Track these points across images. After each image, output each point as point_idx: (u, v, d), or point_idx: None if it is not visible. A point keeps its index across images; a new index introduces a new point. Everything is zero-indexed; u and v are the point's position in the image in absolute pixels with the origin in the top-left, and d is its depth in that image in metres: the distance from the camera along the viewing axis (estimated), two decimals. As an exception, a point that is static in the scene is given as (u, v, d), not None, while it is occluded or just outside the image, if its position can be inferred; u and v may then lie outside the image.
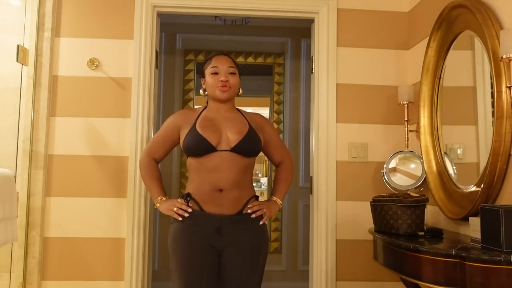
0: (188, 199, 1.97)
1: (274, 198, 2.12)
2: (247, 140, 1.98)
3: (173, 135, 2.07)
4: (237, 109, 2.14)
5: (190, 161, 2.01)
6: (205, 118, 2.04)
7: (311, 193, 2.91)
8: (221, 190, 1.92)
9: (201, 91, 2.12)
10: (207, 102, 2.13)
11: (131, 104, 2.77)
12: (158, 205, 2.03)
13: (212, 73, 2.04)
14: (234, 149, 1.94)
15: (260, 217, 2.00)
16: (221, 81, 2.01)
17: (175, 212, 1.96)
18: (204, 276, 1.90)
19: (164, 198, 2.04)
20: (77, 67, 2.78)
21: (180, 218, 1.94)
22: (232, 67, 2.06)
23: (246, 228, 1.97)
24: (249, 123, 2.05)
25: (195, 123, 2.01)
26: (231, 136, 1.97)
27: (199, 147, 1.94)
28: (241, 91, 2.13)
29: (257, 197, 2.06)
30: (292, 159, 2.24)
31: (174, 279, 1.95)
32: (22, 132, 2.70)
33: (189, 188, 2.01)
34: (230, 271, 1.93)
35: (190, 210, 1.94)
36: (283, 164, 2.19)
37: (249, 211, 1.98)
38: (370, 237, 2.46)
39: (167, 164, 4.15)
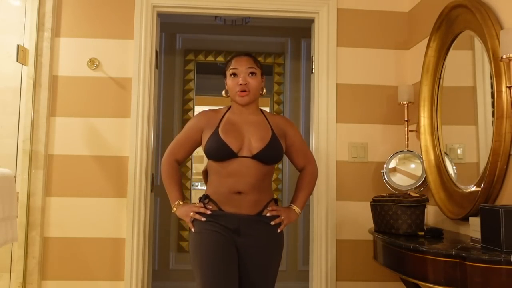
0: (206, 201, 1.95)
1: (294, 207, 2.04)
2: (269, 148, 1.93)
3: (195, 136, 2.02)
4: (261, 110, 2.07)
5: (211, 164, 1.98)
6: (228, 121, 1.98)
7: (311, 194, 2.90)
8: (239, 193, 1.90)
9: (223, 92, 2.07)
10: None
11: (131, 104, 2.77)
12: (175, 209, 1.99)
13: (231, 75, 1.98)
14: (256, 157, 1.90)
15: (277, 222, 1.96)
16: (240, 85, 1.95)
17: (192, 217, 1.92)
18: (226, 269, 1.85)
19: (181, 202, 1.99)
20: (77, 67, 2.78)
21: (194, 229, 1.92)
22: (252, 67, 1.98)
23: (265, 229, 1.94)
24: (272, 129, 1.99)
25: (218, 126, 1.96)
26: (254, 143, 1.92)
27: (221, 152, 1.90)
28: (264, 90, 2.05)
29: (276, 200, 2.03)
30: (316, 165, 2.15)
31: (196, 273, 1.89)
32: (22, 132, 2.70)
33: (208, 190, 2.00)
34: (247, 272, 1.91)
35: (208, 212, 1.91)
36: (305, 170, 2.11)
37: (268, 214, 1.95)
38: (370, 237, 2.46)
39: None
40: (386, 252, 2.16)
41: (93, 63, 2.77)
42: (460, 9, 2.26)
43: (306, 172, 2.11)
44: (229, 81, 1.99)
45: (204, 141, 1.98)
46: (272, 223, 1.94)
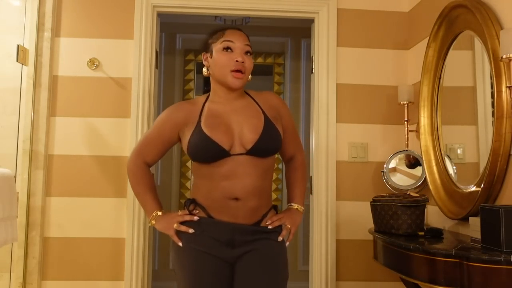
0: (192, 206, 1.65)
1: (295, 206, 1.77)
2: (265, 138, 1.61)
3: (170, 134, 1.69)
4: (246, 92, 1.74)
5: (197, 167, 1.66)
6: (210, 113, 1.65)
7: (311, 193, 2.91)
8: (236, 199, 1.59)
9: (204, 69, 1.70)
10: (205, 89, 1.81)
11: (131, 104, 2.77)
12: (153, 222, 1.68)
13: (224, 48, 1.62)
14: (251, 152, 1.60)
15: (285, 235, 1.69)
16: (236, 61, 1.60)
17: (176, 230, 1.63)
18: None
19: (159, 213, 1.68)
20: (77, 67, 2.78)
21: (181, 244, 1.61)
22: (248, 45, 1.66)
23: (265, 242, 1.64)
24: (263, 112, 1.67)
25: (199, 120, 1.63)
26: (246, 135, 1.60)
27: (209, 153, 1.58)
28: (250, 77, 1.71)
29: (275, 207, 1.75)
30: (304, 152, 1.89)
31: None
32: (22, 132, 2.70)
33: (195, 194, 1.68)
34: (246, 283, 1.60)
35: (196, 218, 1.62)
36: (295, 160, 1.83)
37: (269, 227, 1.65)
38: (370, 237, 2.46)
39: (166, 162, 4.15)
40: (386, 252, 2.16)
41: (93, 63, 2.77)
42: (460, 9, 2.26)
43: (297, 162, 1.83)
44: (221, 56, 1.62)
45: (185, 140, 1.65)
46: (280, 238, 1.66)
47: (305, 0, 2.90)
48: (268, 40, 4.38)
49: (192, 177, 1.75)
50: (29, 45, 2.71)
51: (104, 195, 2.73)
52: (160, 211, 1.69)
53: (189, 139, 1.62)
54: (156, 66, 2.91)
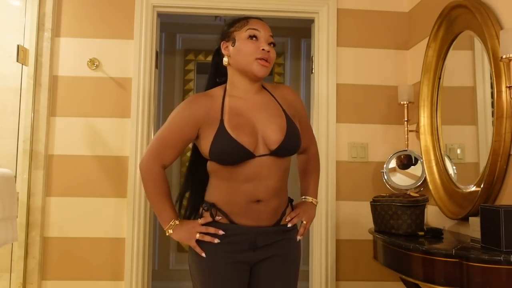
0: (216, 212, 1.56)
1: (310, 199, 1.73)
2: (289, 139, 1.56)
3: (191, 132, 1.56)
4: (263, 86, 1.67)
5: (216, 168, 1.56)
6: (232, 110, 1.56)
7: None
8: (258, 201, 1.54)
9: (225, 59, 1.61)
10: (216, 81, 1.68)
11: (131, 104, 2.77)
12: (170, 231, 1.57)
13: (249, 36, 1.54)
14: (275, 152, 1.54)
15: (302, 233, 1.68)
16: (262, 50, 1.52)
17: (198, 245, 1.55)
18: None
19: (177, 222, 1.57)
20: (77, 67, 2.78)
21: (204, 254, 1.54)
22: (272, 36, 1.59)
23: (283, 240, 1.62)
24: (283, 110, 1.61)
25: (221, 119, 1.53)
26: (271, 136, 1.54)
27: (235, 156, 1.49)
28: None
29: (291, 201, 1.70)
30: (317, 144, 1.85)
31: None
32: (22, 132, 2.70)
33: (213, 197, 1.59)
34: (266, 285, 1.59)
35: (221, 232, 1.54)
36: (309, 152, 1.77)
37: (289, 225, 1.62)
38: (370, 237, 2.46)
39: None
40: (386, 252, 2.16)
41: (93, 63, 2.77)
42: (460, 9, 2.26)
43: (310, 154, 1.77)
44: (245, 45, 1.55)
45: (206, 140, 1.54)
46: (299, 237, 1.65)
47: (305, 0, 2.90)
48: (268, 40, 4.38)
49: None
50: (29, 45, 2.71)
51: (104, 195, 2.73)
52: (177, 219, 1.58)
53: (212, 140, 1.51)
54: (156, 66, 2.91)
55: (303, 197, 1.76)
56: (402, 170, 2.70)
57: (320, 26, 2.90)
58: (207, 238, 1.54)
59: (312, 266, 2.86)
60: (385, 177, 2.69)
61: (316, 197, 1.77)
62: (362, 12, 2.93)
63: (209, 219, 1.56)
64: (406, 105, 2.69)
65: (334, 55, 2.87)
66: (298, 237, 1.66)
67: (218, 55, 1.67)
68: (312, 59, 2.99)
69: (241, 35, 1.56)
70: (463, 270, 1.69)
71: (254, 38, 1.55)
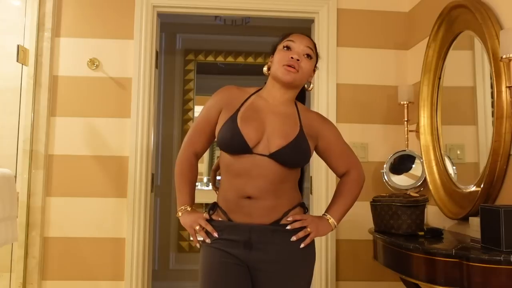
0: (215, 210, 1.64)
1: (327, 216, 1.66)
2: (292, 148, 1.57)
3: (214, 118, 1.64)
4: (295, 103, 1.71)
5: (223, 157, 1.62)
6: (251, 106, 1.63)
7: (311, 193, 2.90)
8: (249, 198, 1.55)
9: (265, 68, 1.72)
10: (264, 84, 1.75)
11: (131, 104, 2.77)
12: (179, 214, 1.65)
13: (284, 47, 1.64)
14: (273, 156, 1.55)
15: (300, 237, 1.59)
16: (291, 58, 1.60)
17: (195, 234, 1.61)
18: None
19: (188, 208, 1.64)
20: (77, 67, 2.78)
21: (198, 245, 1.61)
22: (310, 48, 1.65)
23: (284, 242, 1.57)
24: (301, 125, 1.63)
25: (238, 110, 1.61)
26: (274, 139, 1.57)
27: (233, 144, 1.55)
28: (312, 85, 1.73)
29: (303, 205, 1.66)
30: (362, 169, 1.75)
31: None
32: (22, 132, 2.70)
33: (219, 195, 1.68)
34: None
35: (216, 235, 1.58)
36: (347, 175, 1.72)
37: (288, 227, 1.58)
38: (370, 237, 2.45)
39: (166, 161, 4.14)
40: (386, 252, 2.16)
41: (93, 63, 2.77)
42: (460, 9, 2.26)
43: (350, 177, 1.72)
44: (278, 54, 1.64)
45: (218, 125, 1.62)
46: (294, 238, 1.57)
47: (305, 0, 2.90)
48: (268, 40, 4.36)
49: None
50: (29, 45, 2.71)
51: (104, 195, 2.73)
52: (190, 206, 1.65)
53: (222, 125, 1.60)
54: (156, 66, 2.91)
55: (324, 214, 1.69)
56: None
57: (320, 26, 2.90)
58: (203, 234, 1.59)
59: (312, 266, 2.86)
60: (385, 177, 2.69)
61: (337, 220, 1.67)
62: (362, 12, 2.93)
63: (207, 216, 1.62)
64: (406, 105, 2.69)
65: (334, 55, 2.87)
66: (293, 238, 1.57)
67: None
68: (312, 59, 2.98)
69: (279, 46, 1.67)
70: (463, 270, 1.68)
71: (287, 49, 1.64)
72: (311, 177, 2.91)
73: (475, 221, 1.89)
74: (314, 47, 1.68)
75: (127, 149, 2.75)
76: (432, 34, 2.48)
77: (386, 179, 2.68)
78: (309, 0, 2.90)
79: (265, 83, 1.73)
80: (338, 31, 2.89)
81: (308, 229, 1.58)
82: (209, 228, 1.58)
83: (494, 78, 1.94)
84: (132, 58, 2.79)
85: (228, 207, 1.60)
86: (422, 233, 2.13)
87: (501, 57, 1.81)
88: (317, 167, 2.82)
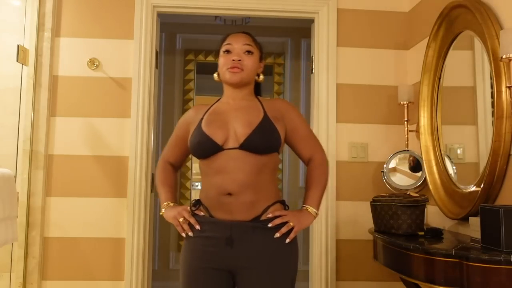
0: (197, 206, 1.67)
1: (306, 207, 1.68)
2: (258, 133, 1.60)
3: (184, 135, 1.76)
4: (257, 97, 1.77)
5: (200, 163, 1.70)
6: (213, 111, 1.72)
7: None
8: (229, 194, 1.58)
9: (215, 75, 1.78)
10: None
11: (131, 104, 2.77)
12: (163, 210, 1.71)
13: (224, 52, 1.71)
14: (244, 146, 1.59)
15: (283, 232, 1.60)
16: (232, 60, 1.67)
17: (180, 225, 1.64)
18: None
19: (171, 204, 1.71)
20: (77, 67, 2.78)
21: (184, 234, 1.65)
22: (248, 45, 1.72)
23: (265, 238, 1.59)
24: (264, 111, 1.68)
25: (202, 118, 1.69)
26: (240, 130, 1.61)
27: (204, 147, 1.62)
28: (261, 77, 1.77)
29: (283, 202, 1.69)
30: (326, 154, 1.82)
31: None
32: (22, 132, 2.70)
33: (200, 194, 1.72)
34: None
35: (198, 227, 1.62)
36: (313, 161, 1.77)
37: (269, 225, 1.59)
38: (370, 237, 2.46)
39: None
40: (386, 252, 2.16)
41: (93, 63, 2.77)
42: (460, 9, 2.26)
43: (314, 163, 1.77)
44: (221, 59, 1.72)
45: (189, 137, 1.72)
46: (277, 234, 1.58)
47: (305, 0, 2.90)
48: (268, 40, 4.38)
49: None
50: (29, 45, 2.71)
51: (104, 195, 2.73)
52: (172, 202, 1.73)
53: (190, 135, 1.71)
54: (156, 66, 2.91)
55: (302, 205, 1.71)
56: (402, 170, 2.69)
57: (320, 26, 2.90)
58: (186, 227, 1.64)
59: (312, 266, 2.86)
60: (385, 177, 2.69)
61: (316, 207, 1.70)
62: (362, 12, 2.93)
63: (191, 216, 1.66)
64: (406, 105, 2.69)
65: (334, 55, 2.87)
66: (277, 234, 1.58)
67: None
68: (312, 59, 2.99)
69: (220, 52, 1.75)
70: (463, 270, 1.69)
71: (227, 52, 1.71)
72: (311, 177, 2.91)
73: (475, 221, 1.89)
74: (252, 41, 1.75)
75: (127, 149, 2.75)
76: (432, 34, 2.48)
77: (386, 179, 2.68)
78: (309, 0, 2.90)
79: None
80: (338, 31, 2.89)
81: (291, 224, 1.60)
82: (192, 220, 1.63)
83: (494, 78, 1.94)
84: (132, 58, 2.79)
85: (210, 204, 1.64)
86: (422, 233, 2.13)
87: (501, 57, 1.81)
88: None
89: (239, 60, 1.68)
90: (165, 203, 1.73)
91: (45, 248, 2.69)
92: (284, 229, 1.59)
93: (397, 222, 2.16)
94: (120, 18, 2.82)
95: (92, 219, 2.72)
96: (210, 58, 4.35)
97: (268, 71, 4.45)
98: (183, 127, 1.78)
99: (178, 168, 1.88)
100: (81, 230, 2.71)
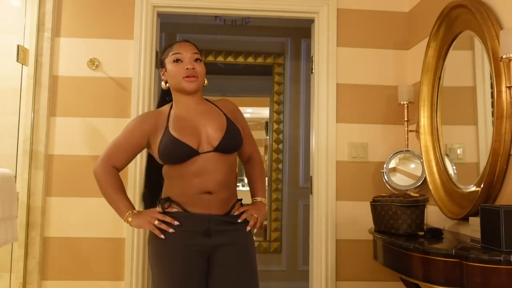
0: (167, 204, 1.75)
1: (259, 199, 1.91)
2: (229, 135, 1.77)
3: (140, 141, 1.79)
4: (205, 99, 1.90)
5: (168, 169, 1.78)
6: (176, 117, 1.79)
7: (311, 193, 2.91)
8: (209, 193, 1.73)
9: (162, 83, 1.86)
10: (165, 99, 1.91)
11: (131, 104, 2.77)
12: (129, 219, 1.75)
13: (174, 61, 1.78)
14: (218, 149, 1.74)
15: (252, 224, 1.82)
16: (187, 69, 1.76)
17: (157, 227, 1.71)
18: None
19: (135, 211, 1.78)
20: (77, 67, 2.78)
21: (162, 236, 1.71)
22: (196, 53, 1.82)
23: (236, 230, 1.79)
24: (224, 114, 1.83)
25: (167, 126, 1.76)
26: (212, 134, 1.75)
27: (180, 154, 1.71)
28: (206, 82, 1.85)
29: (240, 200, 1.88)
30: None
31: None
32: (22, 132, 2.70)
33: (168, 193, 1.79)
34: (224, 274, 1.73)
35: (176, 223, 1.72)
36: (253, 158, 1.97)
37: (239, 220, 1.79)
38: (370, 237, 2.46)
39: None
40: (386, 252, 2.16)
41: (93, 63, 2.77)
42: (460, 9, 2.26)
43: (255, 160, 1.97)
44: (172, 68, 1.78)
45: (155, 146, 1.76)
46: (248, 228, 1.80)
47: (305, 0, 2.90)
48: (268, 40, 4.39)
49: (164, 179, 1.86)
50: (29, 45, 2.71)
51: (104, 195, 2.73)
52: (134, 209, 1.79)
53: (159, 143, 1.74)
54: (156, 66, 2.91)
55: (254, 198, 1.93)
56: (402, 170, 2.70)
57: (320, 26, 2.90)
58: (163, 226, 1.71)
59: (312, 266, 2.86)
60: (385, 177, 2.69)
61: (264, 197, 1.93)
62: (362, 12, 2.93)
63: (160, 210, 1.75)
64: (406, 105, 2.69)
65: (334, 55, 2.87)
66: (248, 228, 1.80)
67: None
68: (312, 59, 2.99)
69: (169, 60, 1.81)
70: (463, 270, 1.69)
71: (178, 61, 1.79)
72: (311, 177, 2.91)
73: (475, 221, 1.89)
74: (197, 48, 1.86)
75: (127, 149, 2.75)
76: (432, 34, 2.48)
77: (386, 179, 2.68)
78: (309, 0, 2.90)
79: (170, 99, 1.89)
80: (338, 31, 2.89)
81: (255, 215, 1.83)
82: (168, 219, 1.72)
83: (494, 78, 1.94)
84: (132, 58, 2.80)
85: (186, 201, 1.74)
86: (422, 233, 2.13)
87: (501, 57, 1.81)
88: (317, 168, 2.82)
89: (193, 68, 1.77)
90: (129, 212, 1.77)
91: (45, 248, 2.69)
92: (252, 222, 1.82)
93: (397, 222, 2.16)
94: (120, 18, 2.82)
95: (92, 219, 2.72)
96: (210, 58, 4.36)
97: (268, 71, 4.46)
98: (139, 135, 1.79)
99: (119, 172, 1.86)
100: (81, 230, 2.71)
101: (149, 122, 1.80)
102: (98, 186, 1.81)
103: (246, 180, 5.29)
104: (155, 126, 1.78)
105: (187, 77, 1.76)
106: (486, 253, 1.62)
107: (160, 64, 1.88)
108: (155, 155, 1.79)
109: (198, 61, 1.81)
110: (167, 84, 1.85)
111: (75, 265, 2.69)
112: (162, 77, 1.86)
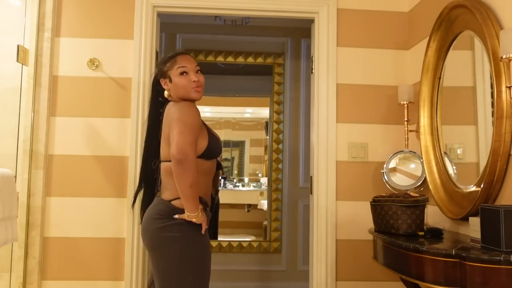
0: (207, 208, 1.98)
1: None
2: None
3: (201, 128, 1.97)
4: None
5: (203, 163, 1.92)
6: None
7: (311, 193, 2.91)
8: (210, 194, 2.03)
9: (165, 93, 2.03)
10: (158, 99, 2.07)
11: (131, 104, 2.77)
12: (199, 214, 1.87)
13: (181, 73, 1.98)
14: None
15: None
16: (194, 81, 1.98)
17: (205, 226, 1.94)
18: None
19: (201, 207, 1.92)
20: (77, 67, 2.78)
21: (203, 231, 1.91)
22: (197, 65, 2.04)
23: None
24: None
25: (205, 124, 2.01)
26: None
27: (219, 151, 2.05)
28: None
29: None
30: None
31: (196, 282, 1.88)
32: (22, 132, 2.70)
33: (200, 192, 1.90)
34: None
35: (203, 231, 1.92)
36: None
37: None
38: (370, 237, 2.46)
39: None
40: (386, 252, 2.16)
41: (93, 63, 2.78)
42: (460, 9, 2.26)
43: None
44: (180, 80, 1.97)
45: (203, 140, 1.93)
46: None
47: (305, 0, 2.90)
48: (268, 40, 4.38)
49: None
50: (29, 45, 2.71)
51: (104, 195, 2.73)
52: None
53: (209, 139, 1.95)
54: (156, 66, 2.90)
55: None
56: (402, 170, 2.70)
57: (320, 26, 2.90)
58: (204, 229, 1.91)
59: (312, 266, 2.86)
60: (385, 177, 2.69)
61: None
62: (362, 12, 2.93)
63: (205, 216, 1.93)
64: (406, 105, 2.69)
65: (334, 55, 2.87)
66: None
67: (158, 84, 2.06)
68: (312, 59, 2.99)
69: (174, 72, 1.98)
70: (463, 270, 1.69)
71: (185, 74, 1.98)
72: (311, 177, 2.91)
73: (475, 221, 1.89)
74: (195, 60, 2.06)
75: (127, 149, 2.75)
76: (432, 34, 2.48)
77: (386, 179, 2.68)
78: (309, 0, 2.90)
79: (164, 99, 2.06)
80: (338, 31, 2.89)
81: None
82: (205, 227, 1.94)
83: (494, 78, 1.94)
84: (132, 58, 2.79)
85: (207, 200, 1.98)
86: (422, 233, 2.13)
87: (501, 57, 1.81)
88: (317, 168, 2.82)
89: (198, 80, 1.99)
90: (200, 207, 1.87)
91: (45, 248, 2.69)
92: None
93: (397, 222, 2.16)
94: (120, 18, 2.82)
95: (92, 219, 2.72)
96: (210, 58, 4.36)
97: (268, 71, 4.46)
98: (200, 126, 1.92)
99: None
100: (81, 230, 2.71)
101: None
102: (187, 175, 1.78)
103: (246, 180, 5.31)
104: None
105: (196, 87, 1.98)
106: (486, 253, 1.62)
107: (160, 74, 2.03)
108: (201, 147, 1.91)
109: (199, 72, 2.02)
110: (169, 93, 2.02)
111: (75, 265, 2.69)
112: (164, 86, 2.02)
